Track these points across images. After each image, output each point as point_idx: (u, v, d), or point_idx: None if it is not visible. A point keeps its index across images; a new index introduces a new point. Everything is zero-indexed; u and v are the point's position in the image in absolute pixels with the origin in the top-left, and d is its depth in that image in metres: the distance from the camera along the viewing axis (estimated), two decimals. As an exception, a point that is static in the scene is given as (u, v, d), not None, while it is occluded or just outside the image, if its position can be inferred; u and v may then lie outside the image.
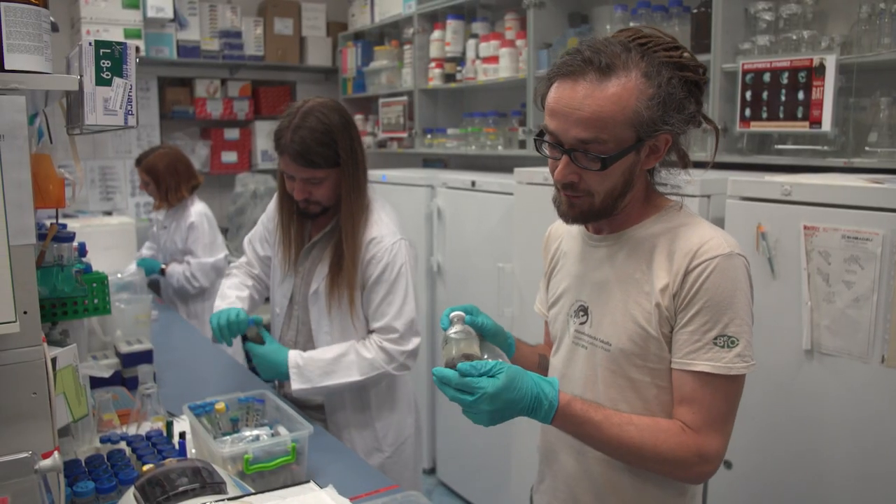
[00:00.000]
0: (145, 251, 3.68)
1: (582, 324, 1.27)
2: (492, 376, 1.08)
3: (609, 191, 1.16)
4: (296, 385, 1.79)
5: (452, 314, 1.22)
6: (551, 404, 1.11)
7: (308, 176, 1.78)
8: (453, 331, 1.19)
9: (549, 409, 1.11)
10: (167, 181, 3.38)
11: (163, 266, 3.41)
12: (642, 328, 1.17)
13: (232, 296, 2.04)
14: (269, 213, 2.07)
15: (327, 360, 1.81)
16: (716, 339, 1.12)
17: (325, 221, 1.91)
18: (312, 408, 1.96)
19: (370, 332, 1.87)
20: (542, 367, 1.43)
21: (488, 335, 1.26)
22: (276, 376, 1.86)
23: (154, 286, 3.49)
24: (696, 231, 1.17)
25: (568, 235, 1.38)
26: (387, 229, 1.85)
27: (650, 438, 1.12)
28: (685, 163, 1.23)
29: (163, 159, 3.38)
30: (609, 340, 1.22)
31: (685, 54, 1.16)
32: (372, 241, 1.83)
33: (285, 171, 1.83)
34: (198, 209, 3.41)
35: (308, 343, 1.93)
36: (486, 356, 1.20)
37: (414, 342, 1.85)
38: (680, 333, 1.15)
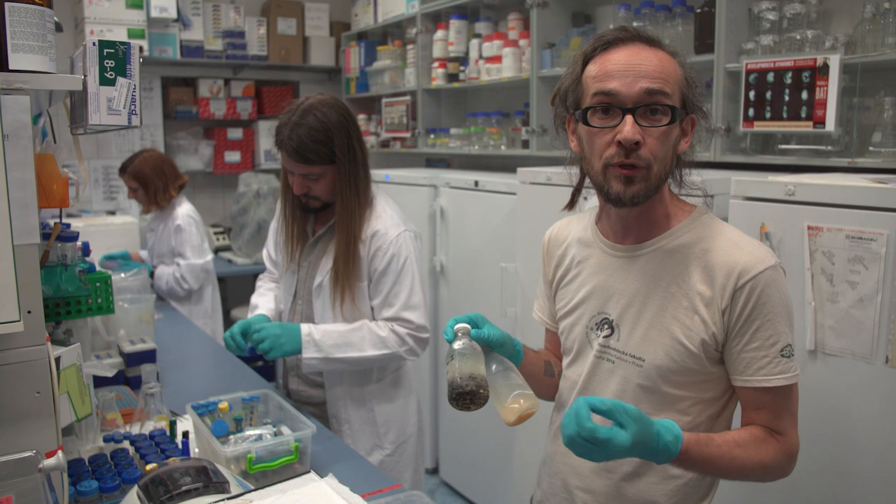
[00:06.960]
0: (143, 253, 3.68)
1: (607, 337, 1.24)
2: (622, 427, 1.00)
3: (664, 159, 1.13)
4: (308, 354, 1.81)
5: (457, 326, 1.16)
6: (670, 454, 1.06)
7: (305, 172, 1.82)
8: (458, 345, 1.13)
9: (667, 457, 1.07)
10: (155, 183, 3.39)
11: (153, 267, 3.41)
12: (681, 344, 1.16)
13: (257, 304, 2.06)
14: (277, 214, 2.10)
15: (340, 332, 1.84)
16: (782, 350, 1.14)
17: (328, 216, 1.94)
18: (314, 405, 1.97)
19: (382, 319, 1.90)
20: (549, 374, 1.41)
21: (495, 346, 1.21)
22: (290, 350, 1.81)
23: None
24: (731, 242, 1.17)
25: (578, 243, 1.33)
26: (390, 221, 1.89)
27: (755, 455, 1.14)
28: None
29: (148, 162, 3.39)
30: (642, 356, 1.19)
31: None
32: (376, 233, 1.86)
33: (285, 167, 1.88)
34: (184, 211, 3.41)
35: None
36: (493, 367, 1.16)
37: (425, 333, 1.91)
38: (745, 351, 1.15)
